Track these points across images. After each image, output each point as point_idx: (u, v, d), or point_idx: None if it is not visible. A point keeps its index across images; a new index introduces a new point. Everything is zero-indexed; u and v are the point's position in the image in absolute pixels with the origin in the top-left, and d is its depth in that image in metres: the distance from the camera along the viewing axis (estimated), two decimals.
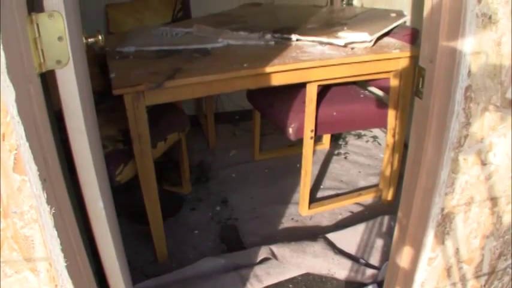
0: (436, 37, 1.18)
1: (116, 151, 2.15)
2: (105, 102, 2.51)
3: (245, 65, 2.10)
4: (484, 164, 1.32)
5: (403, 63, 2.36)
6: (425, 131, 1.27)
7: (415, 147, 1.34)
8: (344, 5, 3.92)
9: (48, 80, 1.11)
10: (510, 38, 1.16)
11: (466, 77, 1.16)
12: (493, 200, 1.40)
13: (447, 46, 1.16)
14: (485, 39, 1.15)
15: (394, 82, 2.46)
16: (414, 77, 1.33)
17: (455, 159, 1.26)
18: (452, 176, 1.29)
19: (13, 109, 0.86)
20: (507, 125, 1.28)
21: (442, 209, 1.35)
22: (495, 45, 1.16)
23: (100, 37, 1.29)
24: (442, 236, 1.42)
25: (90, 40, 1.26)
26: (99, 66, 2.60)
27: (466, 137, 1.24)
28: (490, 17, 1.13)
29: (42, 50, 0.99)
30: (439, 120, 1.23)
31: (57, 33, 1.00)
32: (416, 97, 1.30)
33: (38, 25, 0.97)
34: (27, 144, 0.89)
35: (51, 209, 0.97)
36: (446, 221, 1.39)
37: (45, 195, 0.95)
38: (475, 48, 1.14)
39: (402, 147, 2.59)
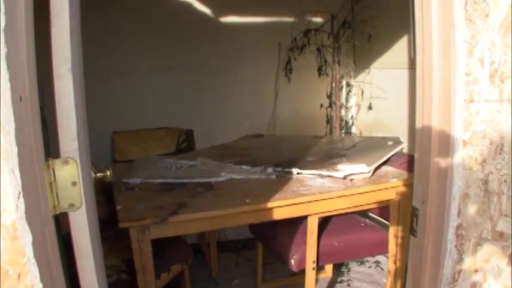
0: (427, 180, 1.25)
1: (120, 281, 2.17)
2: (110, 230, 2.54)
3: (247, 200, 2.15)
4: None
5: (402, 191, 2.41)
6: (420, 268, 1.30)
7: (412, 283, 1.37)
8: (343, 134, 4.05)
9: None
10: (496, 175, 1.23)
11: (457, 217, 1.22)
12: None
13: (437, 188, 1.23)
14: (473, 179, 1.21)
15: (393, 210, 2.50)
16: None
17: None
18: None
19: (29, 252, 0.91)
20: (499, 256, 1.31)
21: None
22: (482, 184, 1.23)
23: (108, 172, 1.34)
24: None
25: (99, 175, 1.32)
26: (104, 194, 2.66)
27: (459, 272, 1.28)
28: (475, 159, 1.21)
29: (57, 193, 1.04)
30: (433, 257, 1.27)
31: (71, 179, 1.06)
32: (411, 235, 1.35)
33: (54, 170, 1.03)
34: (41, 285, 0.93)
35: None
36: None
37: None
38: (464, 189, 1.21)
39: (404, 273, 2.58)
